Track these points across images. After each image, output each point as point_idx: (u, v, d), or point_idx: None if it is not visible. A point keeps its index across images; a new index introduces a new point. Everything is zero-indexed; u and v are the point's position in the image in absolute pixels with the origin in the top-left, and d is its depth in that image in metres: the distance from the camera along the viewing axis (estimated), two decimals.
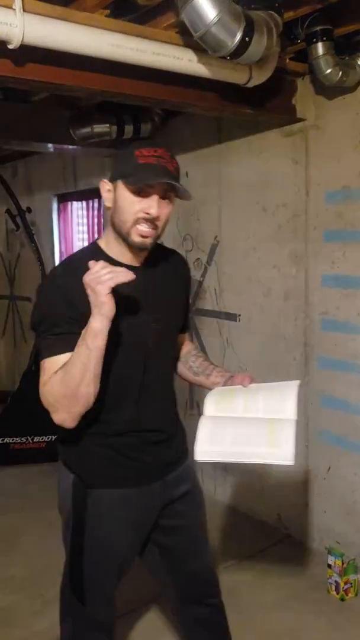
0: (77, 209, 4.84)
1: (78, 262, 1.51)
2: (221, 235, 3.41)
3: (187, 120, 3.52)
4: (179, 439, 1.77)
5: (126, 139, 3.53)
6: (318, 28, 2.28)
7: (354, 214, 2.70)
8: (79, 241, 4.87)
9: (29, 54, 1.87)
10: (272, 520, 3.29)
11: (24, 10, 1.72)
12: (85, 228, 4.67)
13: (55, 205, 4.94)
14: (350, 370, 2.78)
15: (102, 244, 1.62)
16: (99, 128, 3.31)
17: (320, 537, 3.02)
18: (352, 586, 2.64)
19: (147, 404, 1.64)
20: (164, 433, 1.69)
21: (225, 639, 1.93)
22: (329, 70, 2.39)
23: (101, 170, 4.35)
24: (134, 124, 3.41)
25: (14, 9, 1.71)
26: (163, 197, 1.51)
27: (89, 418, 1.52)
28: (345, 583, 2.62)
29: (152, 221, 1.50)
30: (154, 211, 1.48)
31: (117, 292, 1.39)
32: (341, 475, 2.88)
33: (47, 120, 3.37)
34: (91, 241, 1.75)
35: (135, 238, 1.51)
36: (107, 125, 3.31)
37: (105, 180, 1.56)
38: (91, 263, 1.40)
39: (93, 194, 4.49)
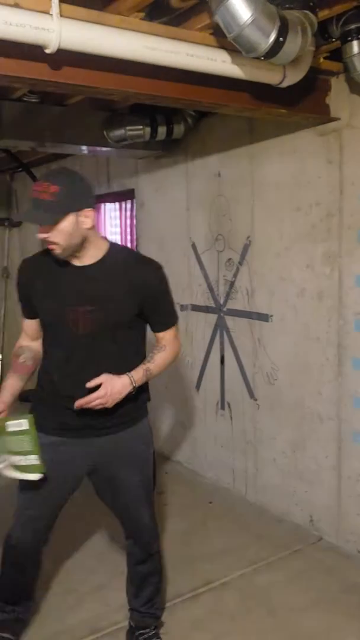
0: (110, 210, 4.88)
1: (34, 256, 2.21)
2: (253, 235, 3.41)
3: (220, 120, 3.53)
4: (111, 410, 2.02)
5: (159, 141, 3.57)
6: (353, 26, 2.27)
7: None
8: None
9: (66, 57, 1.91)
10: (304, 522, 3.27)
11: (60, 15, 1.76)
12: (118, 229, 4.71)
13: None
14: None
15: None
16: (133, 130, 3.35)
17: (353, 539, 2.99)
18: None
19: (69, 374, 2.05)
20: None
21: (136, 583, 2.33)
22: None
23: (134, 171, 4.39)
24: (167, 125, 3.44)
25: (51, 14, 1.74)
26: (43, 223, 1.93)
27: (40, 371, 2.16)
28: None
29: (49, 241, 1.94)
30: (40, 236, 1.95)
31: (56, 281, 2.04)
32: None
33: (81, 123, 3.42)
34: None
35: (50, 250, 1.99)
36: (141, 127, 3.35)
37: None
38: None
39: (126, 195, 4.53)
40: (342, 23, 2.28)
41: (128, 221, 4.56)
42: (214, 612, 2.57)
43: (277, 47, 1.85)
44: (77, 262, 2.03)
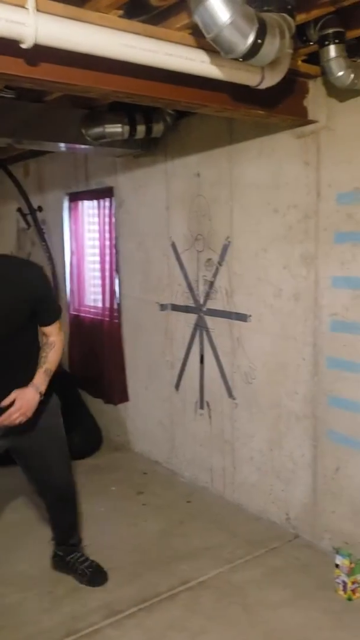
0: (89, 207, 4.86)
1: None
2: (232, 235, 3.42)
3: (199, 120, 3.54)
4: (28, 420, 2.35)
5: (138, 139, 3.56)
6: (330, 30, 2.29)
7: None
8: (90, 240, 4.89)
9: (43, 53, 1.89)
10: (281, 520, 3.30)
11: (37, 10, 1.74)
12: (97, 227, 4.69)
13: (66, 204, 4.98)
14: (358, 371, 2.78)
15: None
16: (111, 128, 3.34)
17: (328, 537, 3.03)
18: (359, 586, 2.64)
19: None
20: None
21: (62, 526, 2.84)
22: (341, 73, 2.39)
23: (113, 169, 4.38)
24: (146, 124, 3.43)
25: (27, 9, 1.72)
26: None
27: None
28: (353, 583, 2.62)
29: None
30: None
31: None
32: (349, 475, 2.88)
33: (59, 120, 3.40)
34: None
35: None
36: (119, 125, 3.34)
37: None
38: None
39: (105, 193, 4.51)
40: (320, 27, 2.30)
41: (107, 219, 4.54)
42: (191, 611, 2.58)
43: (255, 48, 1.86)
44: None
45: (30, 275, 2.38)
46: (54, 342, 2.46)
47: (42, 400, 2.40)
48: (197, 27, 1.88)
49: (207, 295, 3.65)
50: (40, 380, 2.37)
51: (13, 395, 2.25)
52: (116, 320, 4.53)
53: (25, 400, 2.27)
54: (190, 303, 3.79)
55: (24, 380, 2.36)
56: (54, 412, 2.60)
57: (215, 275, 3.58)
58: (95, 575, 2.79)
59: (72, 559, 2.82)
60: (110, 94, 2.34)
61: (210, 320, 3.65)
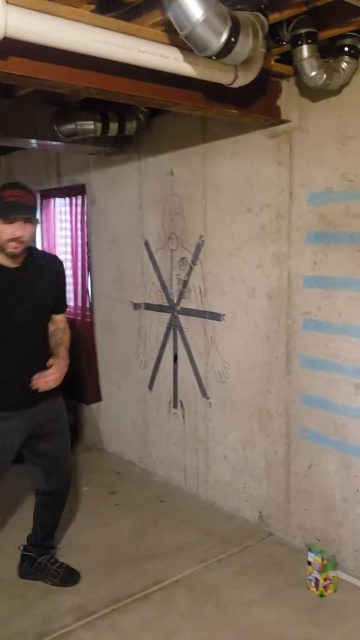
0: (61, 205, 4.81)
1: None
2: (206, 234, 3.42)
3: (173, 119, 3.53)
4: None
5: (111, 137, 3.53)
6: (303, 30, 2.30)
7: (336, 215, 2.72)
8: (62, 238, 4.84)
9: (13, 47, 1.86)
10: (254, 518, 3.31)
11: (7, 2, 1.71)
12: (69, 224, 4.64)
13: (38, 201, 4.92)
14: (330, 369, 2.80)
15: None
16: (84, 125, 3.30)
17: (301, 534, 3.05)
18: (331, 582, 2.66)
19: (20, 361, 2.48)
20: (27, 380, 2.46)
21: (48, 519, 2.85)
22: (313, 73, 2.40)
23: (85, 167, 4.34)
24: (119, 121, 3.41)
25: None
26: (25, 222, 2.32)
27: None
28: (325, 579, 2.64)
29: (17, 239, 2.32)
30: (19, 232, 2.31)
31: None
32: (322, 473, 2.91)
33: (30, 116, 3.34)
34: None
35: (10, 250, 2.35)
36: (92, 122, 3.30)
37: None
38: None
39: (77, 190, 4.47)
40: (293, 27, 2.30)
41: (79, 217, 4.50)
42: (165, 610, 2.57)
43: (228, 47, 1.86)
44: (14, 264, 2.43)
45: (61, 267, 2.71)
46: (65, 327, 2.73)
47: (58, 400, 2.69)
48: (170, 24, 1.87)
49: (181, 295, 3.64)
50: (65, 355, 2.60)
51: (51, 362, 2.52)
52: (89, 320, 4.50)
53: (59, 367, 2.52)
54: (164, 302, 3.78)
55: (45, 361, 2.55)
56: (65, 413, 2.80)
57: (189, 274, 3.57)
58: (67, 575, 2.77)
59: (43, 560, 2.81)
60: (82, 90, 2.31)
61: (184, 320, 3.65)
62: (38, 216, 4.90)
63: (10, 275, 2.42)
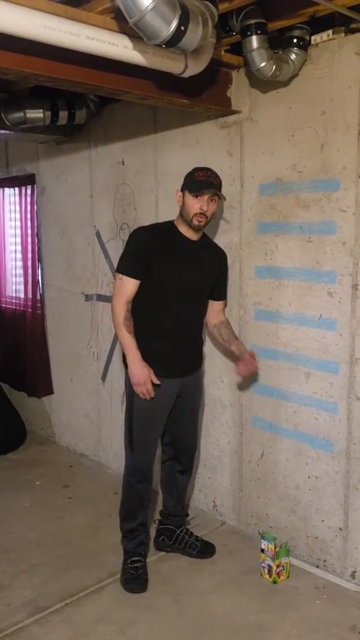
0: (10, 195, 4.70)
1: (155, 227, 2.73)
2: None
3: (123, 108, 3.48)
4: (196, 357, 2.84)
5: (61, 125, 3.46)
6: (252, 21, 2.30)
7: (287, 206, 2.76)
8: (11, 229, 4.74)
9: None
10: (208, 508, 3.34)
11: None
12: (18, 215, 4.54)
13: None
14: (281, 359, 2.85)
15: (176, 223, 2.67)
16: (32, 113, 3.22)
17: (254, 522, 3.09)
18: (284, 569, 2.72)
19: (181, 332, 2.70)
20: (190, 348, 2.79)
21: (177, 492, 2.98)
22: (263, 64, 2.41)
23: (35, 156, 4.25)
24: (68, 110, 3.35)
25: None
26: (210, 199, 2.56)
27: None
28: (278, 566, 2.69)
29: (203, 214, 2.56)
30: (205, 207, 2.55)
31: (178, 250, 2.63)
32: (274, 461, 2.96)
33: None
34: (169, 219, 2.76)
35: (195, 222, 2.58)
36: (41, 110, 3.23)
37: (178, 190, 2.64)
38: (144, 380, 2.57)
39: (26, 180, 4.37)
40: (242, 17, 2.31)
41: (28, 207, 4.40)
42: (119, 602, 2.57)
43: (178, 35, 1.84)
44: (193, 237, 2.65)
45: (225, 256, 2.91)
46: (226, 319, 2.94)
47: (199, 364, 2.89)
48: (119, 11, 1.84)
49: None
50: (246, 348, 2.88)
51: (251, 354, 2.79)
52: (39, 311, 4.42)
53: (253, 356, 2.81)
54: None
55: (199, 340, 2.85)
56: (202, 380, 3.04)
57: None
58: (205, 547, 2.93)
59: (181, 532, 2.96)
60: (29, 78, 2.25)
61: None
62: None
63: (190, 247, 2.64)
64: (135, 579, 2.66)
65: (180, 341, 2.69)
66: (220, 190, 2.60)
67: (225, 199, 2.69)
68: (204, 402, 3.25)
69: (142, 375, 2.55)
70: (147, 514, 2.80)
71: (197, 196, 2.54)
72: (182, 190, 2.61)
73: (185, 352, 2.74)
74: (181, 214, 2.63)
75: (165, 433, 2.85)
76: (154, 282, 2.59)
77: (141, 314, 2.62)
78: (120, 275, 2.59)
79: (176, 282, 2.61)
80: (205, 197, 2.54)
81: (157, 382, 2.57)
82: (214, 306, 2.85)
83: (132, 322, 2.59)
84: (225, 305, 2.91)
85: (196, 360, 2.83)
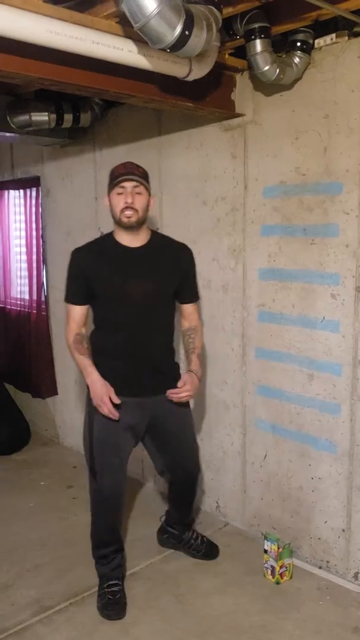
0: (14, 197, 4.73)
1: (91, 244, 2.57)
2: (162, 227, 3.42)
3: (128, 111, 3.51)
4: (166, 372, 2.59)
5: (66, 128, 3.49)
6: (256, 25, 2.32)
7: (290, 209, 2.77)
8: (16, 230, 4.76)
9: None
10: (211, 509, 3.36)
11: None
12: (23, 217, 4.57)
13: None
14: (285, 360, 2.86)
15: (114, 234, 2.50)
16: (37, 116, 3.25)
17: (257, 523, 3.10)
18: (287, 570, 2.73)
19: (136, 345, 2.50)
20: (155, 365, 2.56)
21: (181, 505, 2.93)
22: (266, 67, 2.43)
23: (40, 158, 4.27)
24: (73, 113, 3.37)
25: None
26: (136, 191, 2.38)
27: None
28: (281, 567, 2.70)
29: (129, 207, 2.37)
30: (130, 199, 2.36)
31: (117, 262, 2.46)
32: (277, 462, 2.97)
33: None
34: (107, 232, 2.60)
35: (124, 219, 2.39)
36: (46, 113, 3.25)
37: (105, 197, 2.48)
38: (102, 397, 2.45)
39: (31, 182, 4.40)
40: (246, 21, 2.32)
41: (33, 209, 4.43)
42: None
43: (182, 40, 1.86)
44: (131, 244, 2.47)
45: (186, 254, 2.70)
46: (196, 326, 2.71)
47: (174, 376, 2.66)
48: (124, 16, 1.86)
49: None
50: (197, 367, 2.63)
51: (184, 381, 2.51)
52: (44, 313, 4.44)
53: (192, 385, 2.53)
54: None
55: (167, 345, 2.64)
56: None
57: None
58: (209, 550, 2.93)
59: (186, 536, 2.94)
60: (35, 81, 2.28)
61: None
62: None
63: (133, 255, 2.50)
64: (112, 605, 2.50)
65: (139, 358, 2.49)
66: (147, 181, 2.43)
67: (150, 192, 2.46)
68: (204, 408, 3.26)
69: (99, 391, 2.42)
70: (120, 536, 2.69)
71: (120, 193, 2.38)
72: (108, 193, 2.46)
73: (148, 369, 2.52)
74: (113, 219, 2.46)
75: (155, 462, 2.77)
76: (101, 301, 2.48)
77: (97, 333, 2.55)
78: (66, 303, 2.53)
79: (120, 297, 2.44)
80: (128, 188, 2.37)
81: (117, 401, 2.41)
82: (182, 310, 2.68)
83: (87, 343, 2.52)
84: (197, 307, 2.73)
85: (167, 375, 2.58)
